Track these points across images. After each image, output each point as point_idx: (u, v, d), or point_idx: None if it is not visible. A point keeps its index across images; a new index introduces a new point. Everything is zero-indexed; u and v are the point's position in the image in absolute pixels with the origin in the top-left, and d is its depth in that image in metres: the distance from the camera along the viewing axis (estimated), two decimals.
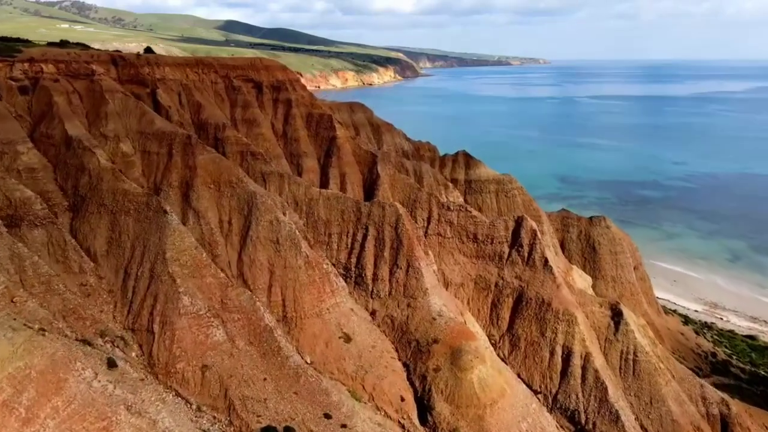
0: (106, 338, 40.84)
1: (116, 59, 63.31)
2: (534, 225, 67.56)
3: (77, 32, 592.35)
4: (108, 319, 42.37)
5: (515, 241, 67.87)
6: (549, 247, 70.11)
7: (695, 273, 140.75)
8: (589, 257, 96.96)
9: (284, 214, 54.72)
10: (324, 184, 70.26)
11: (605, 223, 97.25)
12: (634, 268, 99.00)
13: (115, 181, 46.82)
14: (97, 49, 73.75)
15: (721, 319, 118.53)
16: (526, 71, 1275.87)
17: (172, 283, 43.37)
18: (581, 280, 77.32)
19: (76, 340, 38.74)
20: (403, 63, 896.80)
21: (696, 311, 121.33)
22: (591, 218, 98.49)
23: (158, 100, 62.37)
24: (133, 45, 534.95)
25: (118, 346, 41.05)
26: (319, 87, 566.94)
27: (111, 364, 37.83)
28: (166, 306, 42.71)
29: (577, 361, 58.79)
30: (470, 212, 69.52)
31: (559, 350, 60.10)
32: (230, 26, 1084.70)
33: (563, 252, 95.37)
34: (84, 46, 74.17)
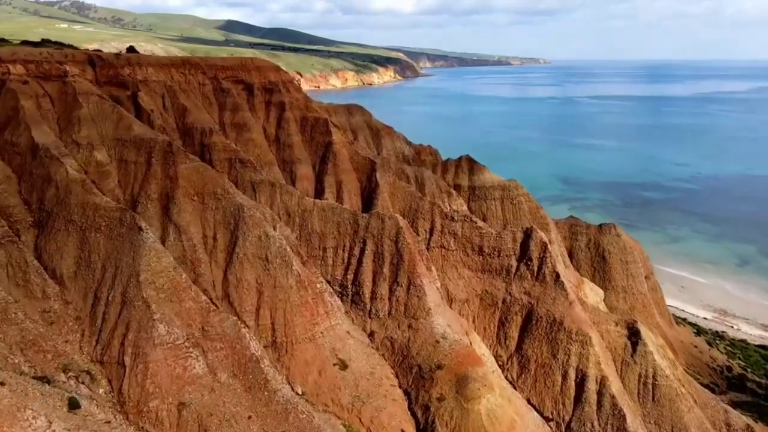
0: (70, 374, 36.18)
1: (93, 59, 58.38)
2: (544, 237, 62.99)
3: (76, 32, 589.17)
4: (73, 350, 37.73)
5: (524, 254, 63.30)
6: (559, 259, 65.52)
7: (702, 278, 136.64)
8: (599, 267, 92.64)
9: (274, 228, 50.12)
10: (319, 192, 65.62)
11: (615, 231, 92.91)
12: (645, 278, 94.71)
13: (84, 194, 42.19)
14: (74, 48, 68.76)
15: (732, 327, 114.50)
16: (526, 71, 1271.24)
17: (147, 309, 38.76)
18: (593, 293, 72.83)
19: (34, 377, 34.10)
20: (403, 63, 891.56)
21: (705, 319, 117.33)
22: (600, 226, 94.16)
23: (139, 103, 57.60)
24: (132, 45, 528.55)
25: (83, 382, 36.41)
26: (318, 87, 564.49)
27: (73, 405, 33.19)
28: (139, 335, 38.10)
29: (592, 386, 54.22)
30: (475, 223, 64.94)
31: (572, 373, 55.52)
32: (230, 26, 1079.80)
33: (571, 261, 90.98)
34: (61, 45, 69.18)
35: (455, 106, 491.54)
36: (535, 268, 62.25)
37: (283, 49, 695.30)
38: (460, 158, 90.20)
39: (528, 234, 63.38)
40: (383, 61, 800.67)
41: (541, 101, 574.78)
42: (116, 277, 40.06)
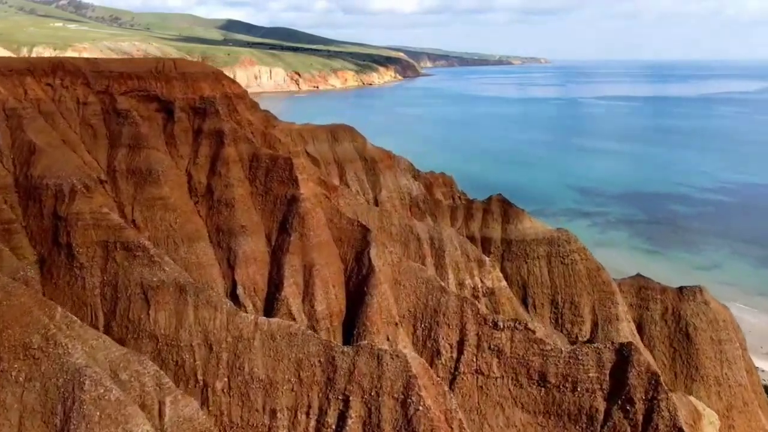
0: None
1: None
2: (652, 363, 37.41)
3: (70, 31, 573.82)
4: None
5: (618, 389, 37.51)
6: (680, 408, 39.50)
7: (754, 316, 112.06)
8: (681, 348, 66.69)
9: (160, 410, 24.31)
10: (275, 283, 39.26)
11: (702, 297, 67.06)
12: None
13: None
14: None
15: None
16: (528, 71, 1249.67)
17: None
18: (707, 422, 46.82)
19: None
20: (404, 63, 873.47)
21: None
22: (681, 290, 68.20)
23: None
24: (126, 44, 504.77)
25: None
26: (317, 87, 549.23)
27: None
28: None
29: None
30: (532, 333, 39.15)
31: None
32: (230, 26, 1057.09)
33: (641, 338, 65.36)
34: None
35: (456, 107, 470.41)
36: (640, 417, 36.49)
37: (283, 48, 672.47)
38: (489, 199, 64.16)
39: (624, 355, 37.60)
40: (384, 61, 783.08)
41: (545, 102, 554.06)
42: None
